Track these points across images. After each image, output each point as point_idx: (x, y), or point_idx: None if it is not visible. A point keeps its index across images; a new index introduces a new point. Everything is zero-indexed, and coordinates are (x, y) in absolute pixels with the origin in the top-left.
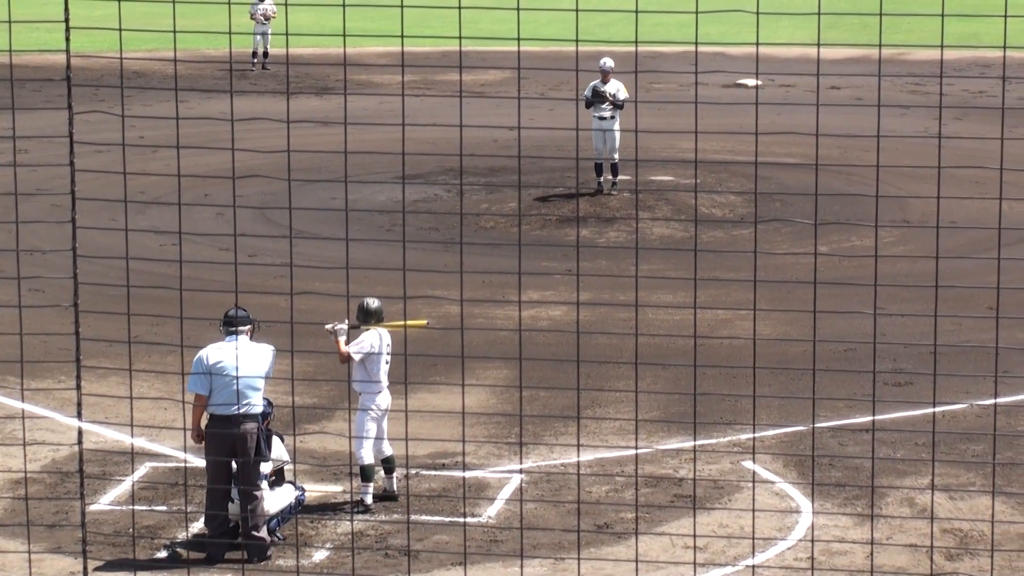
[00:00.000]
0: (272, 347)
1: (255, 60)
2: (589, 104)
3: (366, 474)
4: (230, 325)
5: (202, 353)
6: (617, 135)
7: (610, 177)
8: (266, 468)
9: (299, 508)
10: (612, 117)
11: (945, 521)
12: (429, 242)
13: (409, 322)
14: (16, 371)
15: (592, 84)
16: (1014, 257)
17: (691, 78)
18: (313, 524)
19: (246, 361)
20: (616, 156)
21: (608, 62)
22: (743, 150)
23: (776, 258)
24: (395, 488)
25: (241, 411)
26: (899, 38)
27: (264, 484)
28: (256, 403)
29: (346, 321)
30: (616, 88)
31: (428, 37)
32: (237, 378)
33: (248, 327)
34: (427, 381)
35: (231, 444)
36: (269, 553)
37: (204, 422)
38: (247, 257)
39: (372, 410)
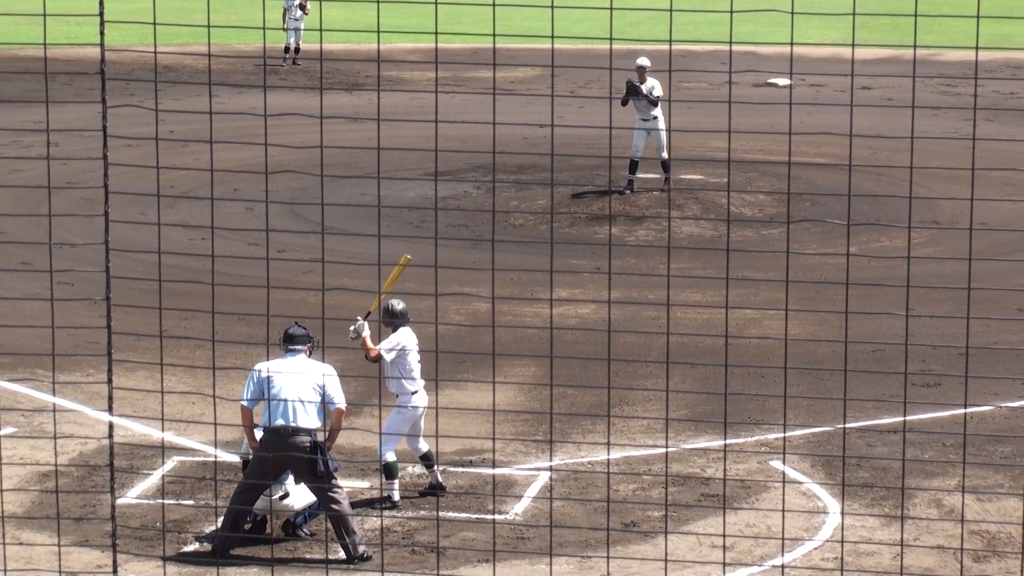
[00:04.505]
0: (332, 368)
1: (287, 56)
2: (625, 102)
3: (391, 471)
4: (289, 342)
5: (257, 367)
6: (663, 133)
7: (660, 174)
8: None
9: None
10: (655, 117)
11: (973, 523)
12: (459, 239)
13: (395, 272)
14: (46, 364)
15: (627, 81)
16: None
17: (721, 77)
18: None
19: (298, 377)
20: (665, 154)
21: (644, 60)
22: (773, 149)
23: (805, 258)
24: (441, 480)
25: (291, 425)
26: (930, 39)
27: (291, 478)
28: (307, 418)
29: (359, 318)
30: (652, 86)
31: (460, 34)
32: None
33: (306, 345)
34: (456, 378)
35: (280, 458)
36: (364, 552)
37: (259, 434)
38: (277, 252)
39: (409, 410)
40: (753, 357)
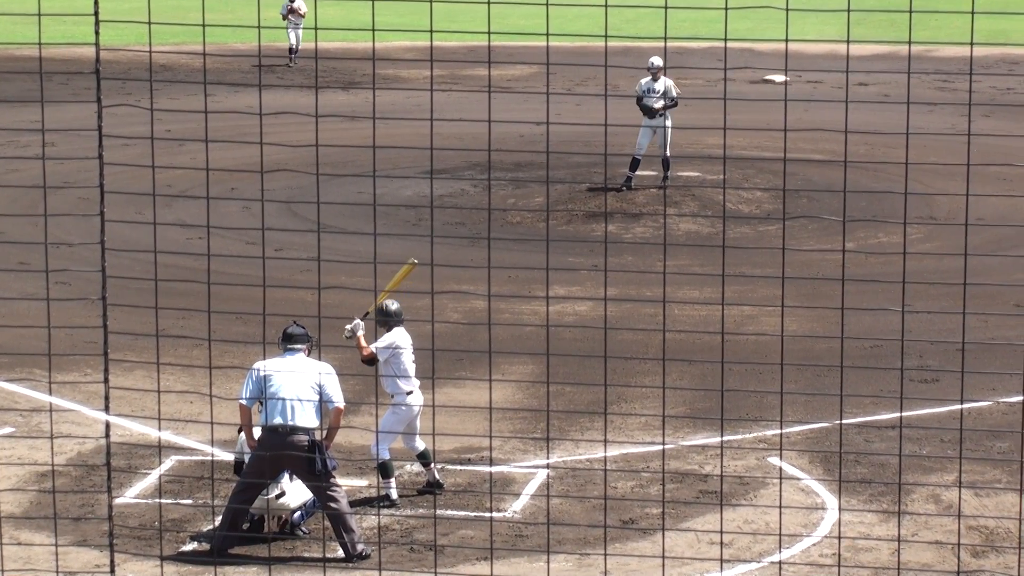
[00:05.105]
0: (330, 366)
1: (292, 56)
2: (640, 103)
3: (386, 470)
4: (287, 341)
5: (256, 366)
6: (669, 132)
7: (658, 172)
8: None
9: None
10: (662, 115)
11: (971, 518)
12: (456, 237)
13: (400, 274)
14: (43, 364)
15: (642, 81)
16: None
17: (717, 74)
18: None
19: (296, 376)
20: (667, 152)
21: (657, 60)
22: (769, 146)
23: (802, 254)
24: (438, 477)
25: (289, 423)
26: (927, 35)
27: (286, 477)
28: (305, 417)
29: (356, 318)
30: (666, 86)
31: (457, 32)
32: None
33: (305, 344)
34: (453, 376)
35: (278, 457)
36: (362, 551)
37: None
38: (274, 251)
39: (404, 409)
40: (750, 354)
